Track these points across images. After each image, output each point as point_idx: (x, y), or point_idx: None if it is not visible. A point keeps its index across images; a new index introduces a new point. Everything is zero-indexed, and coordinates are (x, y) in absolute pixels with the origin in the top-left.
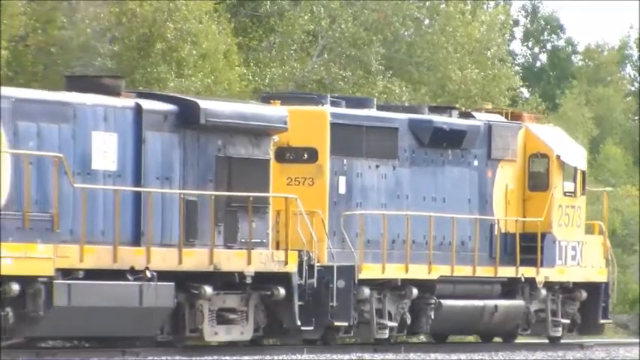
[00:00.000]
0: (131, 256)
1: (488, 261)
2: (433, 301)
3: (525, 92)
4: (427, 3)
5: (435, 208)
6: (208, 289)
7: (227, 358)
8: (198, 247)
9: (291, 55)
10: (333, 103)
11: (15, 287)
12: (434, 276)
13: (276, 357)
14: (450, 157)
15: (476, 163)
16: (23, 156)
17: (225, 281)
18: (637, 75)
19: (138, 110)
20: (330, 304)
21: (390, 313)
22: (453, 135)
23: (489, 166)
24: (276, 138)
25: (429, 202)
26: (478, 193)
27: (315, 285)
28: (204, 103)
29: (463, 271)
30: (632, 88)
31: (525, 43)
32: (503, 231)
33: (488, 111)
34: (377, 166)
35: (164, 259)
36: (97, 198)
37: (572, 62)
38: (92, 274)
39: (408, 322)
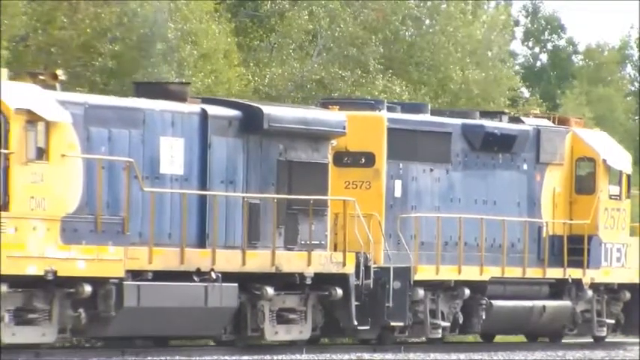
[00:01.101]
0: (197, 258)
1: (536, 262)
2: (484, 301)
3: (526, 92)
4: (428, 3)
5: (486, 211)
6: (270, 290)
7: (227, 357)
8: (261, 249)
9: (290, 55)
10: (389, 109)
11: (87, 288)
12: (485, 277)
13: (275, 357)
14: (500, 161)
15: (525, 166)
16: (96, 161)
17: (286, 282)
18: (637, 75)
19: (204, 116)
20: (387, 304)
21: (442, 313)
22: (503, 139)
23: (538, 170)
24: (334, 142)
25: (480, 204)
26: (527, 196)
27: (371, 286)
28: (267, 109)
29: (513, 272)
30: (633, 88)
31: (526, 43)
32: (550, 233)
33: (536, 116)
34: (431, 170)
35: (228, 260)
36: (164, 201)
37: (572, 62)
38: (159, 275)
39: (460, 321)
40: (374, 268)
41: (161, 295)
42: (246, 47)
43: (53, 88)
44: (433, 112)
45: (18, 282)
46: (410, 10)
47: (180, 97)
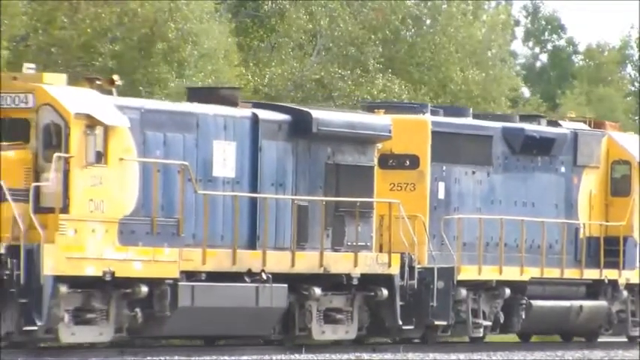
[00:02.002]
0: (248, 259)
1: (573, 263)
2: (524, 301)
3: (526, 92)
4: (429, 3)
5: (525, 213)
6: (317, 290)
7: (226, 357)
8: (309, 251)
9: (289, 54)
10: (433, 112)
11: (144, 289)
12: (525, 277)
13: (274, 357)
14: (539, 164)
15: (563, 169)
16: (152, 164)
17: (332, 282)
18: (637, 75)
19: (255, 120)
20: (431, 304)
21: (484, 313)
22: (542, 142)
23: (575, 173)
24: (379, 145)
25: (520, 206)
26: (564, 198)
27: (415, 286)
28: (316, 113)
29: (552, 273)
30: (633, 88)
31: (526, 43)
32: (587, 235)
33: (572, 119)
34: (473, 173)
35: (278, 261)
36: (216, 203)
37: (572, 62)
38: (212, 275)
39: (501, 321)
40: (418, 268)
41: (214, 295)
42: (246, 47)
43: (110, 93)
44: (475, 116)
45: (77, 283)
46: (409, 10)
47: (232, 102)
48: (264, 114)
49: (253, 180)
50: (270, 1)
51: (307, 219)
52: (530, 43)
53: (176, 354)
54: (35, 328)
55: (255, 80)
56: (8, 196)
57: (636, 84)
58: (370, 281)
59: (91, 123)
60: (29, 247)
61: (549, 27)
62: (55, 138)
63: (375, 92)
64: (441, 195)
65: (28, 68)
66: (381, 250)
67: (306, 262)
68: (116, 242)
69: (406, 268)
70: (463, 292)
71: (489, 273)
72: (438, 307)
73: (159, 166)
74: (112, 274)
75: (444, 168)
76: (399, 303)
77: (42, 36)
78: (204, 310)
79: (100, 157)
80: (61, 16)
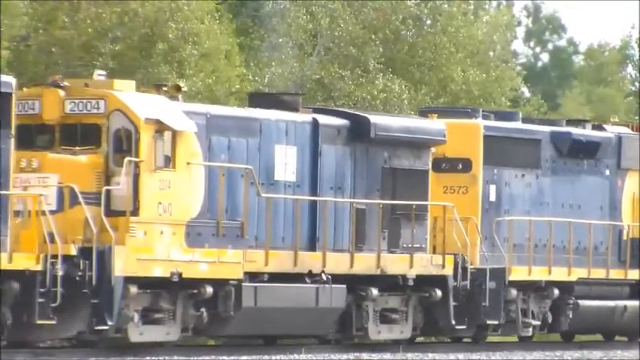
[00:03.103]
0: (309, 261)
1: (617, 264)
2: (571, 301)
3: (526, 92)
4: (429, 3)
5: (572, 215)
6: (374, 291)
7: (225, 357)
8: (366, 252)
9: (288, 54)
10: (484, 117)
11: (209, 289)
12: (573, 278)
13: (274, 357)
14: (585, 167)
15: (607, 172)
16: (217, 168)
17: (388, 283)
18: (638, 75)
19: (315, 125)
20: (483, 304)
21: (533, 313)
22: (588, 146)
23: (619, 175)
24: (433, 149)
25: (567, 208)
26: (609, 200)
27: (468, 287)
28: (374, 118)
29: (598, 273)
30: (634, 89)
31: (527, 43)
32: (630, 236)
33: (615, 123)
34: (522, 175)
35: (337, 263)
36: (278, 206)
37: (573, 62)
38: (273, 276)
39: (549, 320)
40: (470, 269)
41: (276, 295)
42: (247, 47)
43: (176, 99)
44: (524, 120)
45: (145, 283)
46: (410, 10)
47: (293, 107)
48: (324, 119)
49: (313, 183)
50: (270, 1)
51: (365, 221)
52: (531, 43)
53: (176, 354)
54: (106, 327)
55: (255, 80)
56: (81, 200)
57: (637, 84)
58: (424, 282)
59: (160, 128)
60: (101, 249)
61: (550, 27)
62: (126, 143)
63: (376, 92)
64: (492, 197)
65: (99, 75)
66: (434, 252)
67: (364, 263)
68: (183, 244)
69: (459, 269)
70: (513, 292)
71: (539, 273)
72: (489, 307)
73: (224, 170)
74: (180, 275)
75: (495, 171)
76: (452, 303)
77: (42, 36)
78: (266, 310)
79: (169, 161)
80: (61, 16)
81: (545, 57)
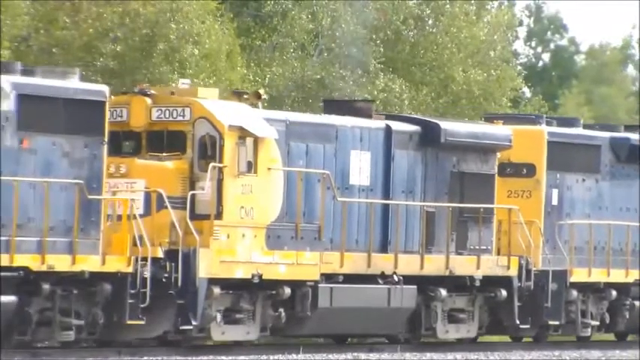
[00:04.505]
0: (381, 262)
1: None
2: (628, 302)
3: (527, 92)
4: (431, 3)
5: (629, 218)
6: (443, 292)
7: (224, 357)
8: (435, 254)
9: (290, 54)
10: (547, 123)
11: (287, 290)
12: (630, 279)
13: (272, 357)
14: None
15: None
16: (296, 173)
17: (456, 284)
18: (639, 75)
19: (388, 131)
20: (545, 304)
21: (591, 313)
22: None
23: None
24: (499, 154)
25: (624, 212)
26: None
27: (532, 287)
28: (444, 124)
29: None
30: (634, 88)
31: (528, 43)
32: None
33: None
34: (583, 180)
35: (408, 264)
36: (352, 210)
37: (575, 62)
38: (346, 277)
39: (607, 321)
40: (534, 271)
41: (350, 296)
42: (248, 47)
43: (256, 106)
44: (584, 126)
45: (227, 284)
46: (411, 10)
47: (366, 114)
48: (396, 125)
49: (386, 188)
50: (272, 1)
51: (434, 224)
52: (533, 43)
53: (175, 354)
54: (191, 327)
55: (257, 81)
56: (167, 204)
57: (637, 84)
58: (490, 282)
59: (243, 135)
60: (186, 252)
61: (552, 27)
62: (210, 149)
63: (376, 92)
64: (555, 201)
65: (183, 83)
66: (498, 253)
67: (434, 264)
68: (264, 246)
69: (523, 271)
70: (574, 293)
71: (598, 275)
72: (551, 308)
73: (302, 174)
74: (260, 276)
75: (558, 176)
76: (517, 303)
77: (43, 36)
78: (341, 310)
79: (251, 166)
80: (62, 16)
81: (546, 57)
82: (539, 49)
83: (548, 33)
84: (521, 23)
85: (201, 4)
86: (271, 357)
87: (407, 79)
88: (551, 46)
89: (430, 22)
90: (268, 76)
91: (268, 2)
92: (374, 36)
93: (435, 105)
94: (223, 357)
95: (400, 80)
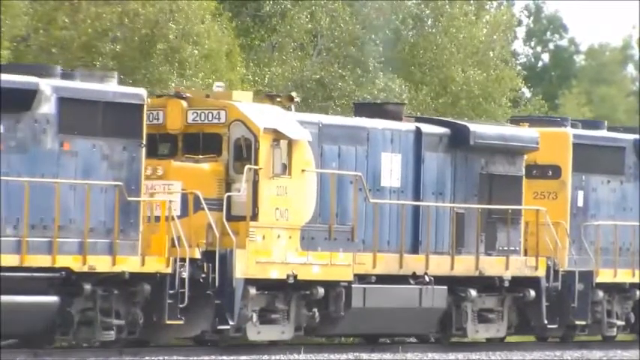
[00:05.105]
0: (413, 263)
1: None
2: None
3: (527, 92)
4: (430, 3)
5: None
6: (473, 292)
7: (224, 357)
8: (465, 255)
9: (290, 54)
10: (573, 125)
11: (321, 291)
12: None
13: (273, 357)
14: None
15: None
16: (328, 175)
17: (485, 284)
18: (638, 74)
19: (418, 133)
20: (572, 304)
21: (617, 313)
22: None
23: None
24: (526, 156)
25: None
26: None
27: (559, 288)
28: (473, 127)
29: None
30: (634, 88)
31: (528, 43)
32: None
33: None
34: (608, 182)
35: (439, 265)
36: (384, 211)
37: (574, 62)
38: (378, 278)
39: (632, 321)
40: (561, 271)
41: (383, 296)
42: (247, 47)
43: (288, 108)
44: (609, 129)
45: (263, 285)
46: (410, 10)
47: (397, 116)
48: (426, 128)
49: (416, 189)
50: (271, 1)
51: (464, 225)
52: (532, 43)
53: (175, 354)
54: (228, 327)
55: (256, 81)
56: (204, 205)
57: (637, 83)
58: (518, 283)
59: (277, 137)
60: (223, 253)
61: (551, 27)
62: (245, 151)
63: (376, 92)
64: (580, 203)
65: (217, 86)
66: (524, 254)
67: (464, 265)
68: (298, 247)
69: (551, 271)
70: (600, 293)
71: (623, 276)
72: (578, 308)
73: (335, 176)
74: (295, 277)
75: (583, 177)
76: (545, 304)
77: (43, 36)
78: (373, 310)
79: (285, 168)
80: (61, 16)
81: (545, 57)
82: (539, 49)
83: (548, 33)
84: (520, 23)
85: (201, 4)
86: (272, 357)
87: (406, 79)
88: (551, 46)
89: (429, 22)
90: (267, 76)
91: (267, 2)
92: (373, 36)
93: (434, 105)
94: (225, 357)
95: (400, 80)
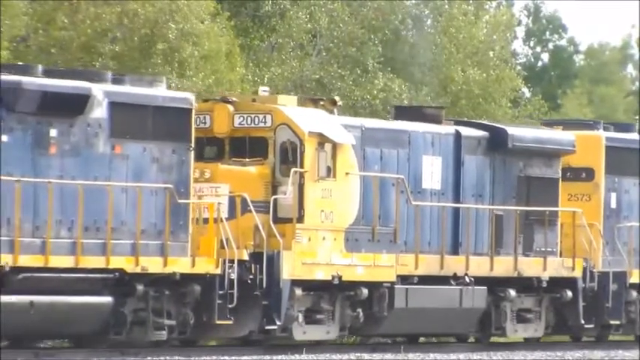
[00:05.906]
0: (453, 264)
1: None
2: None
3: (527, 92)
4: (430, 4)
5: None
6: (512, 292)
7: (226, 358)
8: (503, 256)
9: (289, 54)
10: (605, 128)
11: (365, 291)
12: None
13: (275, 357)
14: None
15: None
16: (371, 177)
17: (523, 285)
18: (638, 74)
19: (458, 136)
20: (606, 305)
21: None
22: None
23: None
24: (562, 159)
25: None
26: None
27: (595, 288)
28: (511, 130)
29: None
30: (634, 88)
31: (527, 43)
32: None
33: None
34: (639, 183)
35: (479, 266)
36: (425, 213)
37: (574, 62)
38: (419, 278)
39: None
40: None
41: (425, 297)
42: (246, 48)
43: (331, 112)
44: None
45: (308, 285)
46: (409, 10)
47: (436, 120)
48: (465, 131)
49: (456, 191)
50: (270, 1)
51: (502, 227)
52: (531, 43)
53: (176, 354)
54: (275, 327)
55: (256, 81)
56: (251, 208)
57: (637, 83)
58: (555, 283)
59: (322, 141)
60: (270, 254)
61: (550, 27)
62: (291, 154)
63: (375, 92)
64: (613, 205)
65: (263, 91)
66: (560, 255)
67: (503, 266)
68: (343, 249)
69: (587, 272)
70: (633, 294)
71: None
72: (612, 308)
73: (377, 179)
74: (340, 278)
75: (616, 180)
76: (581, 304)
77: (42, 36)
78: (415, 310)
79: (330, 171)
80: (61, 16)
81: (545, 57)
82: (538, 49)
83: (547, 33)
84: (519, 23)
85: (200, 4)
86: (274, 357)
87: (406, 79)
88: (550, 46)
89: (429, 22)
90: (267, 76)
91: (266, 2)
92: (372, 36)
93: (437, 104)
94: (226, 357)
95: (399, 80)
